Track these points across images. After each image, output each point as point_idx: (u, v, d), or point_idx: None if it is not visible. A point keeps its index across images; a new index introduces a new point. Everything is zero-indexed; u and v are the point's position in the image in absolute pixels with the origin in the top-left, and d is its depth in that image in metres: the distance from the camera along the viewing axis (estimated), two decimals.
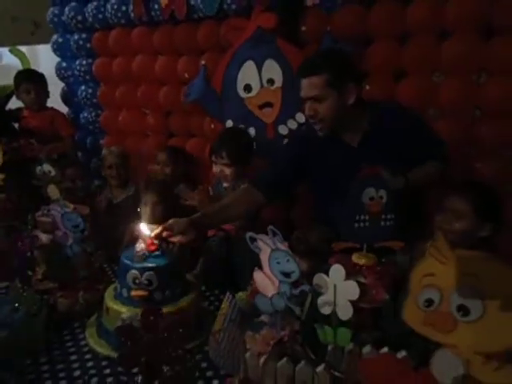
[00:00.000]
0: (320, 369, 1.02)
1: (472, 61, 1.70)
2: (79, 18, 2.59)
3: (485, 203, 1.24)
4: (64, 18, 2.65)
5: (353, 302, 1.06)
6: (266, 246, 1.10)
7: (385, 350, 1.02)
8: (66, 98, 2.87)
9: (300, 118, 1.99)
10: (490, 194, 1.28)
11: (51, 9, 2.73)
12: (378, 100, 1.73)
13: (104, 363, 1.25)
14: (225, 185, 1.92)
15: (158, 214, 1.79)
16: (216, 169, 1.89)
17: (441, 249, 0.79)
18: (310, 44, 1.97)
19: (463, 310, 0.76)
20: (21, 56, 2.92)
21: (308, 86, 1.46)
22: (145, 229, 1.38)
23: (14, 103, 2.61)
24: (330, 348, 1.10)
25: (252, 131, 2.13)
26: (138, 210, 1.63)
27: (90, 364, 1.26)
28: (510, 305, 0.72)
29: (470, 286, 0.75)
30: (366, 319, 1.16)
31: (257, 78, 2.05)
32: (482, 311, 0.75)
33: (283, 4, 1.98)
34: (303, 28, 1.96)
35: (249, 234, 1.14)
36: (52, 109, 2.59)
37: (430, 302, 0.80)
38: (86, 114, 2.80)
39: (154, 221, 1.74)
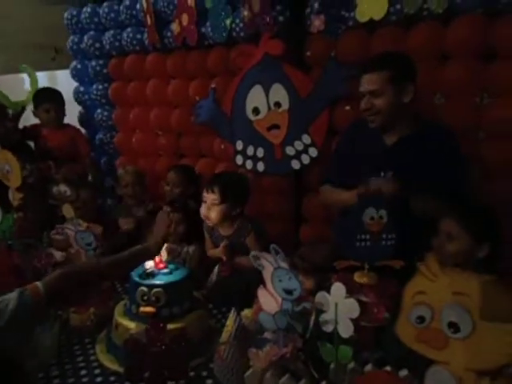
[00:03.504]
0: None
1: (473, 83, 1.74)
2: (97, 45, 2.74)
3: (479, 223, 1.23)
4: (83, 45, 2.80)
5: (354, 320, 1.08)
6: (269, 264, 1.14)
7: (387, 368, 1.04)
8: (83, 120, 2.99)
9: (306, 139, 2.04)
10: (484, 213, 1.27)
11: (71, 37, 2.88)
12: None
13: (112, 378, 1.28)
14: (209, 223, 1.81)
15: (181, 232, 1.85)
16: (203, 206, 1.75)
17: (431, 267, 0.82)
18: (315, 68, 2.05)
19: (453, 327, 0.78)
20: (30, 72, 3.04)
21: (369, 80, 1.55)
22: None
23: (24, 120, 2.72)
24: (332, 366, 1.11)
25: (261, 152, 2.19)
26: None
27: (99, 379, 1.29)
28: (499, 323, 0.74)
29: (459, 304, 0.77)
30: (368, 338, 1.18)
31: (264, 102, 2.12)
32: (471, 329, 0.77)
33: (289, 31, 2.07)
34: (308, 53, 2.03)
35: (252, 253, 1.18)
36: (70, 126, 2.67)
37: (421, 319, 0.83)
38: (101, 136, 2.92)
39: (176, 238, 1.82)
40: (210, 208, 1.74)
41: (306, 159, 2.08)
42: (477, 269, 1.00)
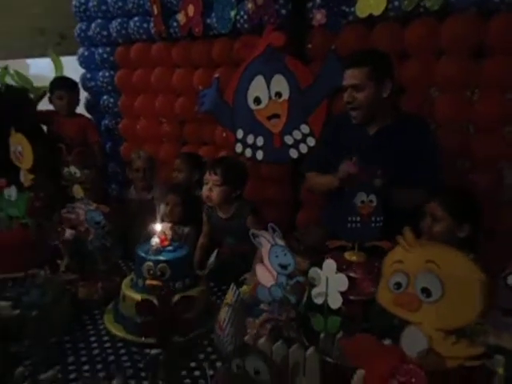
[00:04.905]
0: (310, 351, 1.14)
1: (465, 78, 1.82)
2: (104, 33, 2.81)
3: (460, 206, 1.35)
4: (90, 33, 2.87)
5: (343, 294, 1.18)
6: (267, 242, 1.24)
7: None
8: (89, 106, 3.07)
9: (304, 129, 2.13)
10: (465, 196, 1.40)
11: (79, 24, 2.95)
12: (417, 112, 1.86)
13: (120, 344, 1.40)
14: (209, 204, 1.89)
15: (178, 214, 1.94)
16: (205, 188, 1.85)
17: (407, 239, 0.93)
18: (316, 60, 2.13)
19: (426, 292, 0.89)
20: (56, 62, 3.14)
21: (351, 75, 1.65)
22: (159, 226, 1.53)
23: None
24: (322, 335, 1.22)
25: (260, 140, 2.28)
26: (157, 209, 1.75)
27: (107, 345, 1.40)
28: (464, 287, 0.85)
29: (431, 272, 0.88)
30: (357, 311, 1.28)
31: (266, 91, 2.20)
32: (441, 293, 0.87)
33: (292, 23, 2.14)
34: (309, 46, 2.11)
35: (251, 231, 1.28)
36: (83, 116, 2.78)
37: (398, 285, 0.93)
38: (106, 122, 3.00)
39: (172, 219, 1.90)
40: (212, 189, 1.82)
41: (303, 148, 2.17)
42: (458, 248, 1.10)
